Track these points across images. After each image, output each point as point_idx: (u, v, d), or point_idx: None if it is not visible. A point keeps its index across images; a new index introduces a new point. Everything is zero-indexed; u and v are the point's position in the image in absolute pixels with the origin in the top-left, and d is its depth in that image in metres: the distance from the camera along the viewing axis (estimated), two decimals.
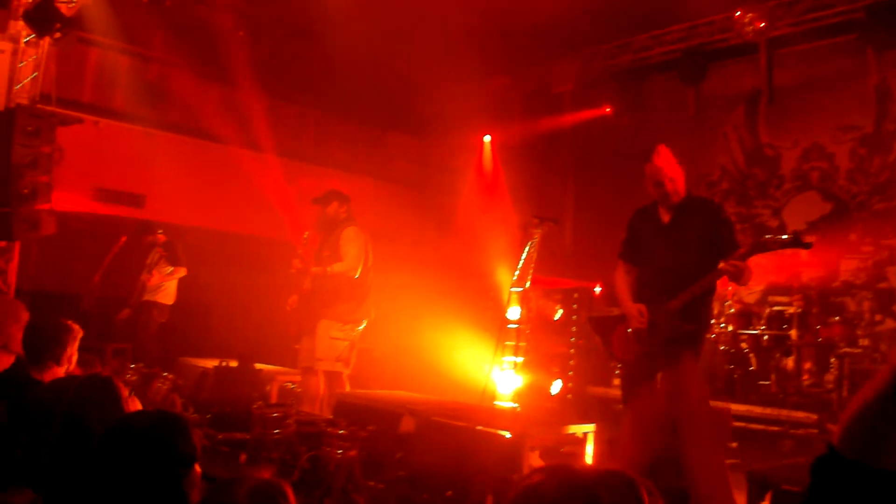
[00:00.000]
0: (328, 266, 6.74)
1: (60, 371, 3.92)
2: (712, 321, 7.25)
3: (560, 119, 12.18)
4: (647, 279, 4.99)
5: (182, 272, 8.97)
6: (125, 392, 2.77)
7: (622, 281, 5.12)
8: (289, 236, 9.94)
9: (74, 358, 4.05)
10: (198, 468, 2.36)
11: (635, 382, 5.07)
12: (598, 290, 9.67)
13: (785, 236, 4.57)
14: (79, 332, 4.07)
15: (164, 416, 2.49)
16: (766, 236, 4.60)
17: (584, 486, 1.21)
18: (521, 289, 7.61)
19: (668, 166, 4.84)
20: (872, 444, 1.26)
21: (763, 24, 9.37)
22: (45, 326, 4.04)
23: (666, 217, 4.96)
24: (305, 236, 6.70)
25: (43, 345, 3.93)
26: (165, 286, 8.93)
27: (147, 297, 8.77)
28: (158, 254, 8.95)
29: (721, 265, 4.53)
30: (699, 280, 4.61)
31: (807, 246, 4.65)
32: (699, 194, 5.86)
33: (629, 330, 4.94)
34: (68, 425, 2.62)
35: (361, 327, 7.02)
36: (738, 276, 4.56)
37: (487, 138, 12.74)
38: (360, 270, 6.90)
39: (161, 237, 9.01)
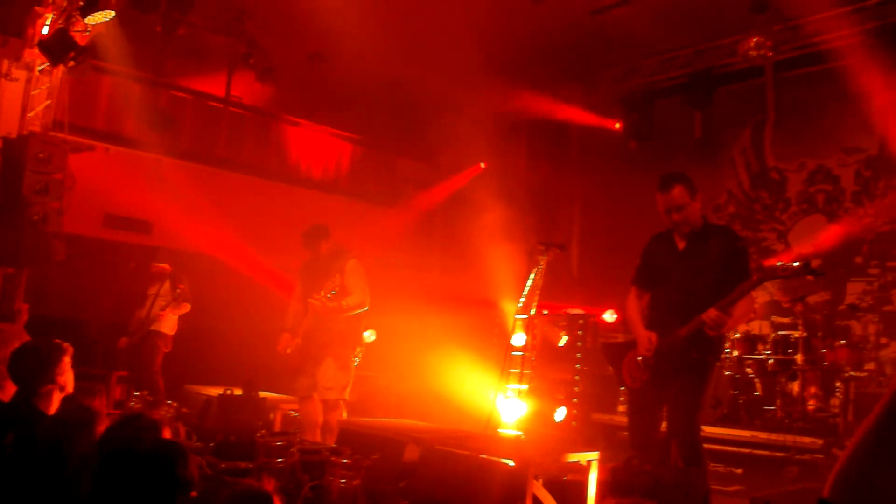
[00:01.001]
0: (342, 300, 6.75)
1: (60, 396, 3.77)
2: (724, 349, 7.24)
3: (567, 145, 12.23)
4: (660, 306, 4.99)
5: (186, 308, 8.94)
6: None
7: (634, 307, 5.13)
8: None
9: (71, 378, 3.86)
10: (193, 494, 2.44)
11: (641, 411, 5.07)
12: (611, 316, 9.59)
13: (796, 264, 4.50)
14: (69, 349, 3.87)
15: (166, 443, 2.57)
16: (778, 264, 4.60)
17: None
18: (526, 315, 7.61)
19: (680, 196, 4.83)
20: (863, 491, 1.30)
21: (768, 48, 9.42)
22: (35, 348, 3.81)
23: (681, 244, 4.97)
24: (331, 294, 6.61)
25: (37, 368, 3.69)
26: (167, 317, 8.95)
27: (152, 327, 8.79)
28: (166, 286, 8.93)
29: (703, 316, 4.54)
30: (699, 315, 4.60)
31: (819, 274, 4.63)
32: (714, 221, 5.84)
33: (638, 357, 4.95)
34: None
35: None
36: (718, 329, 4.59)
37: (482, 165, 12.75)
38: (368, 300, 6.97)
39: (168, 268, 9.02)
